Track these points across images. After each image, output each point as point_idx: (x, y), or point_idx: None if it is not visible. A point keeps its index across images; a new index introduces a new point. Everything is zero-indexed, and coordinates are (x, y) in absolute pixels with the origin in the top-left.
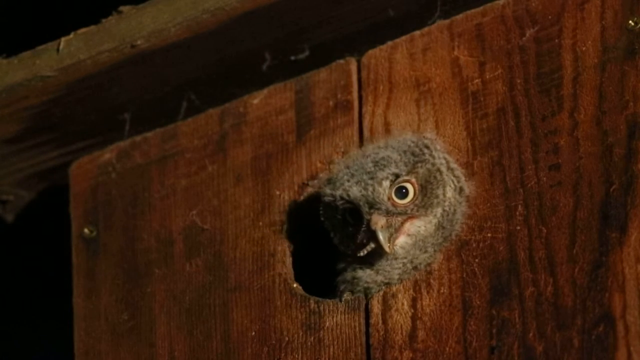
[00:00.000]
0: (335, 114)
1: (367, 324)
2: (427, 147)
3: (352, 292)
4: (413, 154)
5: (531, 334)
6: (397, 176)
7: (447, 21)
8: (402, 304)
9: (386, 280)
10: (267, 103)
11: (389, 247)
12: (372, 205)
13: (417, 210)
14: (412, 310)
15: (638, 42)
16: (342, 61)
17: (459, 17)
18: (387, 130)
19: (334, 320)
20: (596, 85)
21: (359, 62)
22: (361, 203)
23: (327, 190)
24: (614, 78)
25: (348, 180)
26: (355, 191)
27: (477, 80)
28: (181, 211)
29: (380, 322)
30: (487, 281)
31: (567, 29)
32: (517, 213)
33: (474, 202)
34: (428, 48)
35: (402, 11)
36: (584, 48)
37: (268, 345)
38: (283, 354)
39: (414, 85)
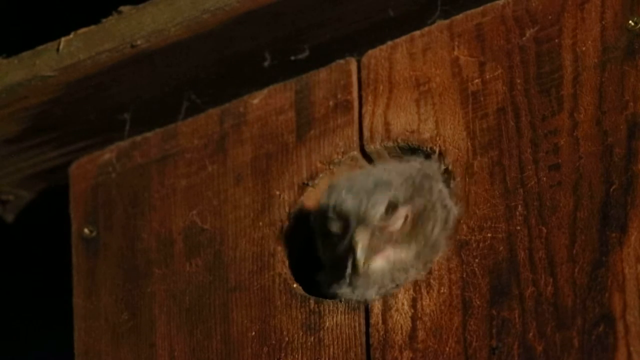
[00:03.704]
0: (335, 114)
1: (367, 324)
2: (427, 177)
3: None
4: (414, 183)
5: (531, 334)
6: (394, 202)
7: (447, 21)
8: (402, 304)
9: (362, 298)
10: (267, 103)
11: (363, 264)
12: (361, 221)
13: (402, 239)
14: (412, 310)
15: (638, 42)
16: (342, 61)
17: (459, 17)
18: (387, 130)
19: (334, 320)
20: (596, 85)
21: (359, 62)
22: (352, 217)
23: (324, 198)
24: (614, 78)
25: (345, 193)
26: (348, 205)
27: (477, 80)
28: (181, 211)
29: (380, 322)
30: (487, 281)
31: (567, 29)
32: (517, 213)
33: (473, 202)
34: (428, 48)
35: (402, 11)
36: (584, 48)
37: (268, 345)
38: (283, 354)
39: (414, 85)
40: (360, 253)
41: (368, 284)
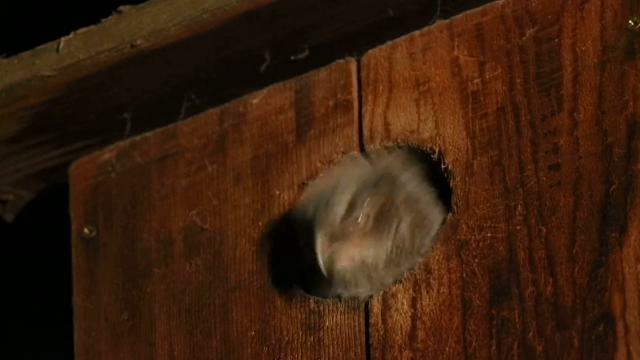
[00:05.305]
0: (335, 114)
1: (367, 324)
2: (386, 177)
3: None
4: (369, 185)
5: (531, 334)
6: (351, 204)
7: (447, 21)
8: (402, 304)
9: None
10: (267, 103)
11: (325, 268)
12: (322, 227)
13: (366, 238)
14: (412, 310)
15: (638, 42)
16: (342, 61)
17: (459, 17)
18: (387, 130)
19: (334, 320)
20: (596, 85)
21: (359, 62)
22: (314, 225)
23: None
24: (614, 78)
25: (307, 204)
26: (309, 214)
27: (477, 80)
28: (181, 211)
29: (380, 322)
30: (487, 281)
31: (567, 29)
32: (517, 213)
33: (473, 202)
34: (428, 48)
35: (402, 11)
36: (584, 48)
37: (268, 345)
38: (283, 354)
39: (414, 85)
40: (321, 258)
41: (345, 286)
